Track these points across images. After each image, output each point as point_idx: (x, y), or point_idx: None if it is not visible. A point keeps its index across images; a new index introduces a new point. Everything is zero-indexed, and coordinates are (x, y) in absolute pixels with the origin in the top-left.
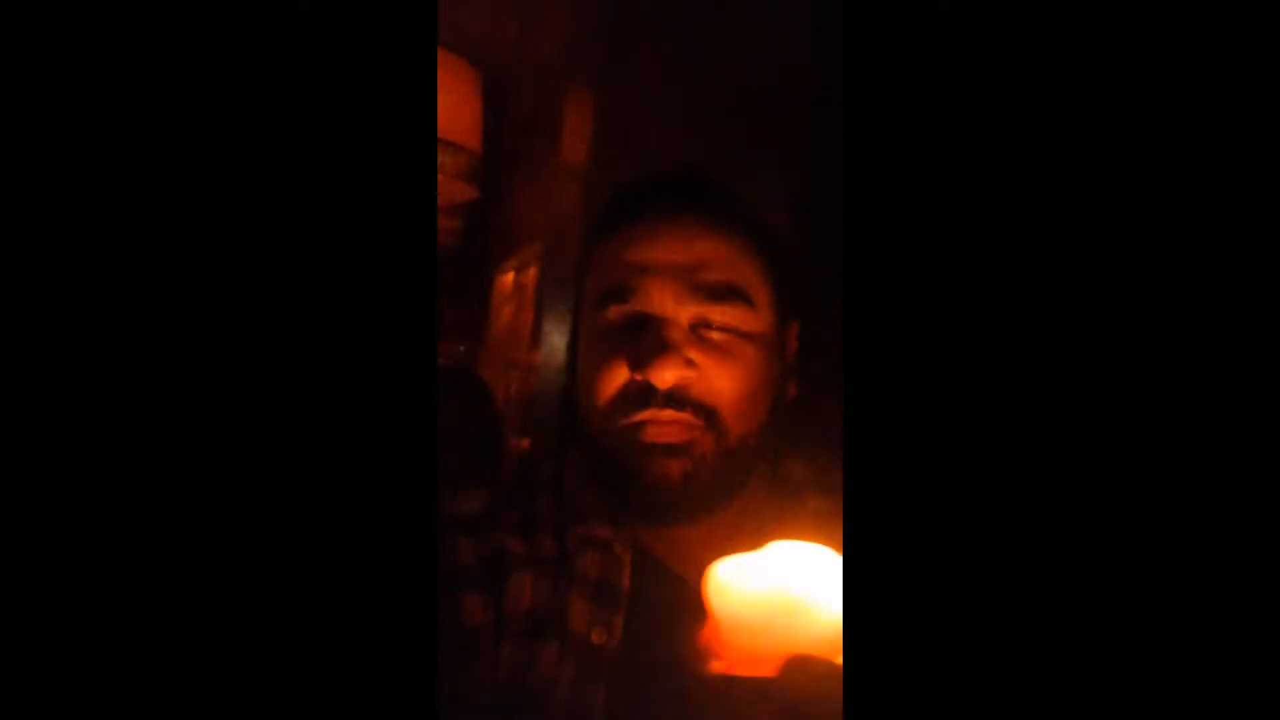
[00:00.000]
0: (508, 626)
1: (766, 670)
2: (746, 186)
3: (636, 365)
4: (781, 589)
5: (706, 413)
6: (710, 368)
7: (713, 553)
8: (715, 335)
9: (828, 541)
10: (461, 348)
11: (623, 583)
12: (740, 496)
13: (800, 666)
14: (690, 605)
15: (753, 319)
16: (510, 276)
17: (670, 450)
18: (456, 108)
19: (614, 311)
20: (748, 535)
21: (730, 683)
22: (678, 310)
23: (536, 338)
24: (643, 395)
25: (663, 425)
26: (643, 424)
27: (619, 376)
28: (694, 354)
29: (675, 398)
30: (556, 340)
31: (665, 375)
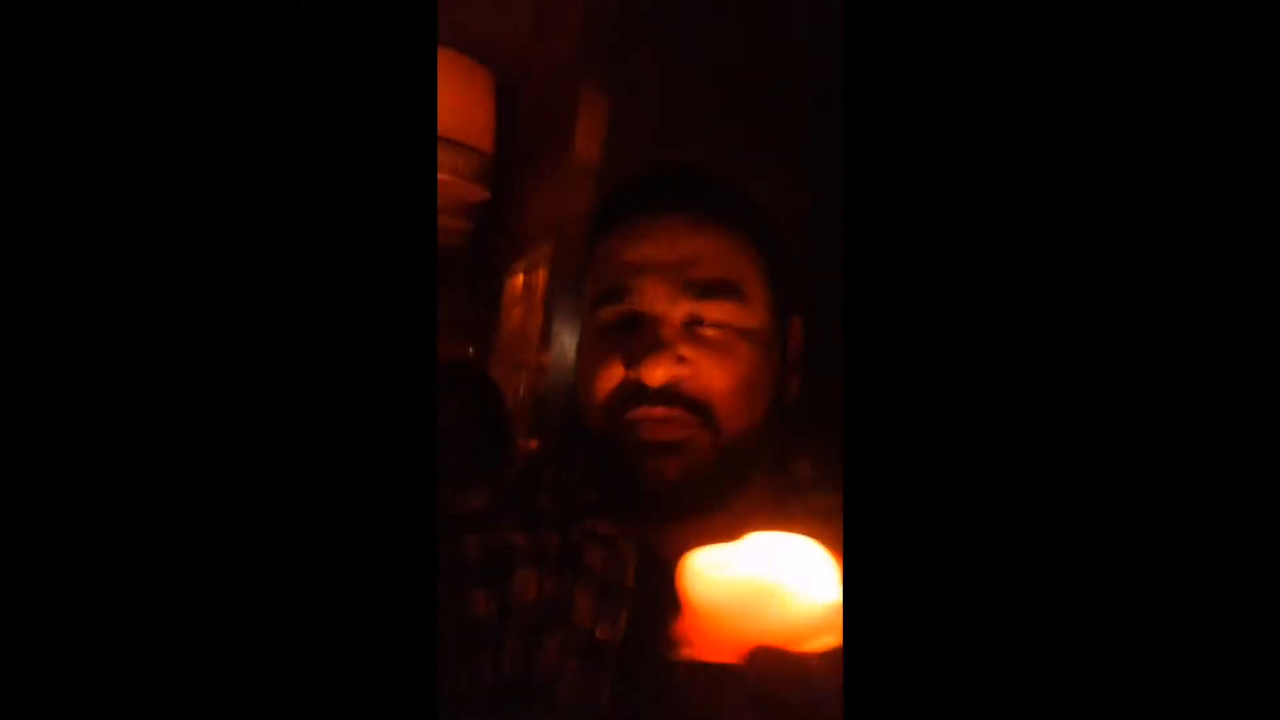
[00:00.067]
0: (512, 621)
1: (734, 657)
2: (752, 185)
3: (629, 363)
4: (754, 577)
5: (700, 409)
6: (703, 364)
7: None
8: (709, 332)
9: (831, 540)
10: (471, 349)
11: (627, 579)
12: (743, 494)
13: (766, 654)
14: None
15: (747, 314)
16: (520, 278)
17: (665, 448)
18: (468, 109)
19: (609, 311)
20: (751, 532)
21: (696, 669)
22: (670, 308)
23: (545, 339)
24: (636, 393)
25: (657, 423)
26: (638, 422)
27: (614, 375)
28: (686, 351)
29: (668, 394)
30: (565, 341)
31: (656, 372)
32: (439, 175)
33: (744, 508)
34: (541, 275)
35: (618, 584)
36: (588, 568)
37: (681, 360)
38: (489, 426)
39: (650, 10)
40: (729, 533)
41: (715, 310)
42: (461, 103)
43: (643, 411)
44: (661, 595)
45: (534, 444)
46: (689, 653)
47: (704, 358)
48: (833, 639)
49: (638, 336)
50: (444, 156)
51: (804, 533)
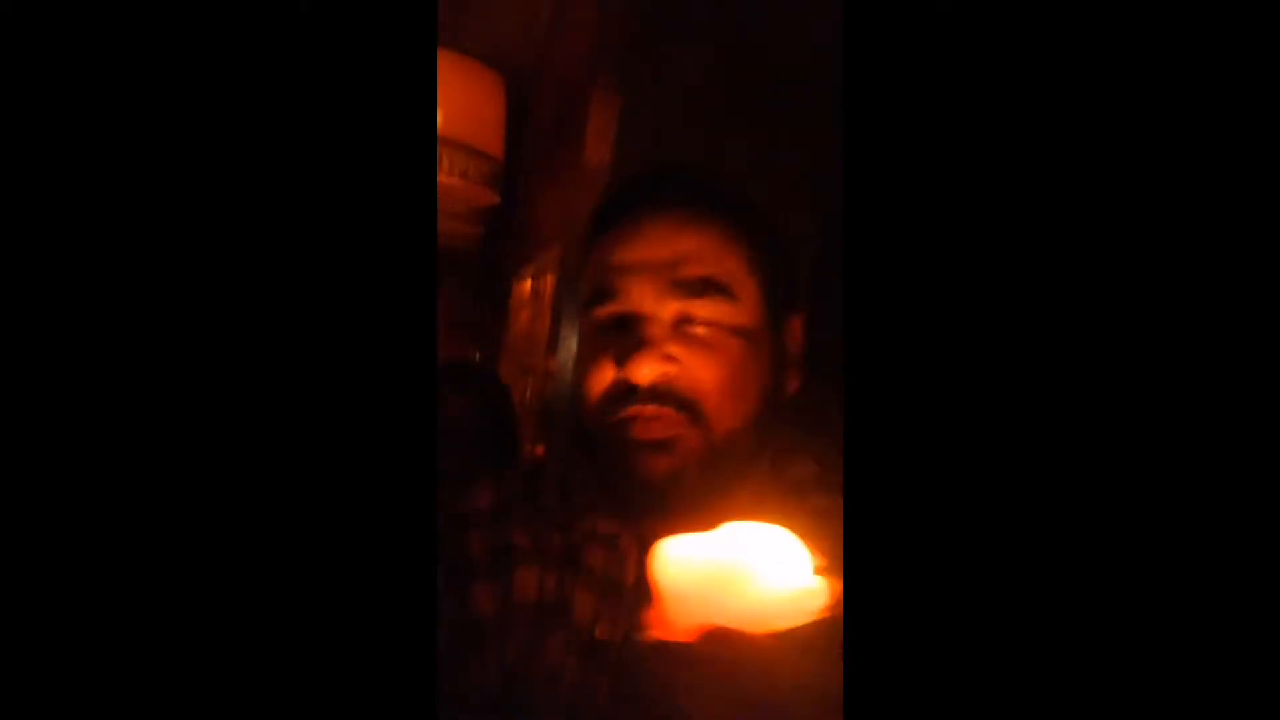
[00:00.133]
0: (514, 619)
1: (693, 638)
2: (752, 185)
3: (620, 363)
4: (722, 562)
5: (689, 407)
6: (693, 362)
7: None
8: (698, 330)
9: (830, 539)
10: (477, 351)
11: (628, 577)
12: (742, 492)
13: (722, 635)
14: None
15: (737, 313)
16: (528, 282)
17: (655, 446)
18: (478, 113)
19: (601, 312)
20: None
21: (654, 649)
22: (659, 307)
23: (553, 343)
24: (627, 392)
25: (647, 421)
26: (629, 420)
27: (606, 375)
28: (676, 349)
29: (657, 393)
30: (572, 346)
31: (644, 371)
32: (449, 179)
33: (743, 506)
34: (549, 279)
35: (618, 583)
36: (589, 567)
37: (669, 358)
38: (495, 427)
39: (660, 15)
40: None
41: (704, 309)
42: (472, 107)
43: (633, 410)
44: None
45: (540, 449)
46: (655, 635)
47: (693, 356)
48: (794, 621)
49: (628, 336)
50: (454, 160)
51: (804, 533)
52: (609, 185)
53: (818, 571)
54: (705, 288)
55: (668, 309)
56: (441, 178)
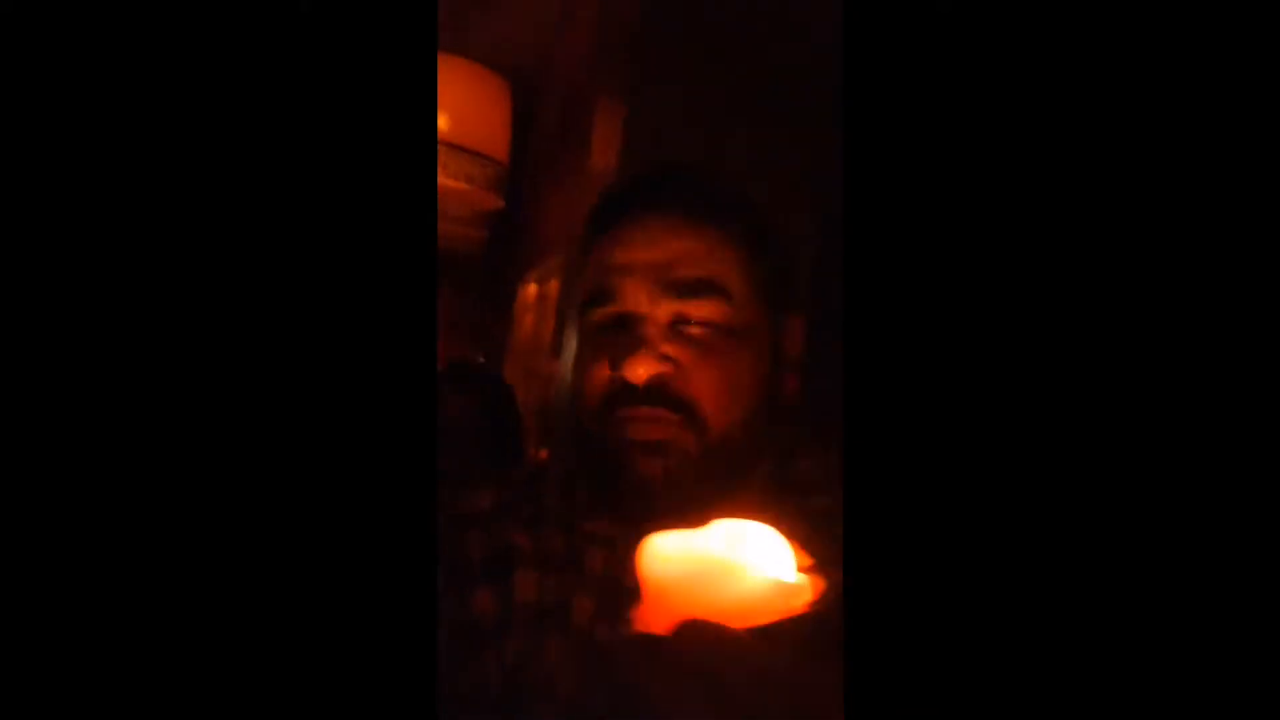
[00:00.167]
0: (514, 621)
1: (666, 630)
2: (752, 185)
3: (615, 364)
4: (705, 559)
5: (685, 408)
6: (688, 363)
7: None
8: (693, 330)
9: (830, 540)
10: (482, 356)
11: (628, 579)
12: (741, 494)
13: (697, 629)
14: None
15: (732, 313)
16: (533, 286)
17: (650, 448)
18: (484, 118)
19: (597, 314)
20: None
21: (634, 642)
22: (654, 308)
23: (556, 347)
24: (622, 393)
25: (642, 423)
26: (625, 421)
27: (603, 376)
28: (671, 350)
29: (652, 394)
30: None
31: (638, 371)
32: (454, 183)
33: (743, 508)
34: (554, 284)
35: (618, 585)
36: (589, 569)
37: (664, 359)
38: (499, 429)
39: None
40: None
41: (699, 309)
42: (477, 112)
43: (629, 411)
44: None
45: (544, 452)
46: (636, 629)
47: (688, 356)
48: (772, 616)
49: (623, 337)
50: (460, 165)
51: (805, 534)
52: (606, 187)
53: (802, 569)
54: (700, 288)
55: (663, 310)
56: (447, 182)
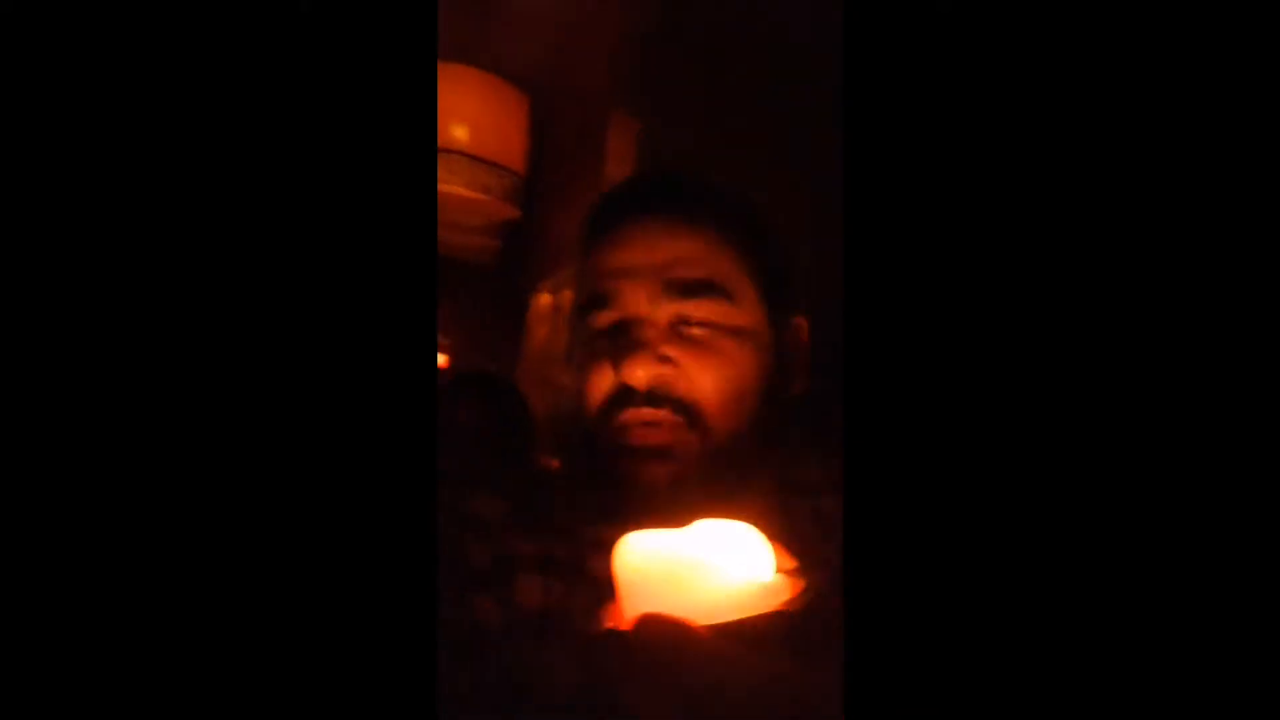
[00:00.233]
0: (517, 626)
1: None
2: (752, 186)
3: (616, 367)
4: (681, 558)
5: (687, 409)
6: (690, 364)
7: None
8: (694, 331)
9: (834, 543)
10: (495, 365)
11: (603, 577)
12: (743, 497)
13: (659, 625)
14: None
15: (734, 313)
16: (546, 296)
17: (654, 452)
18: (502, 130)
19: (597, 319)
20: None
21: (602, 638)
22: (654, 310)
23: (569, 357)
24: (624, 396)
25: (646, 427)
26: (628, 426)
27: (605, 380)
28: (672, 351)
29: (655, 396)
30: None
31: (639, 373)
32: (472, 193)
33: (749, 512)
34: (567, 295)
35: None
36: (592, 575)
37: (665, 360)
38: (512, 436)
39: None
40: None
41: (700, 310)
42: (495, 123)
43: (631, 414)
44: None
45: (555, 462)
46: (608, 625)
47: (689, 357)
48: (741, 615)
49: (623, 340)
50: (476, 175)
51: (811, 537)
52: (603, 192)
53: (782, 570)
54: (700, 289)
55: (663, 311)
56: (463, 191)
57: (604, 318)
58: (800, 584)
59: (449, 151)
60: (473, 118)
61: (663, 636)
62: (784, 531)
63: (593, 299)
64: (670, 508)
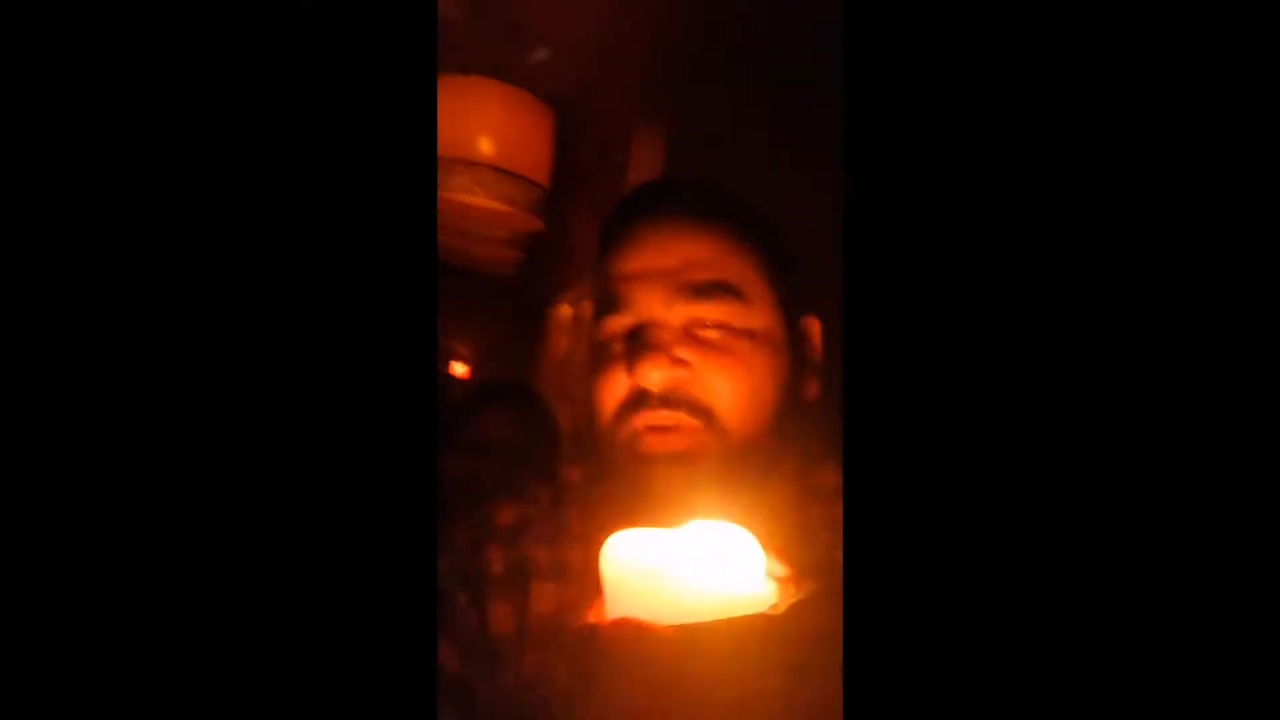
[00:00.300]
0: (530, 633)
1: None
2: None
3: (630, 370)
4: (669, 558)
5: (703, 411)
6: (704, 365)
7: None
8: (708, 333)
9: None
10: (517, 376)
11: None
12: (763, 502)
13: (622, 627)
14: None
15: (747, 315)
16: (567, 309)
17: (673, 459)
18: (528, 143)
19: (610, 324)
20: (776, 543)
21: (579, 636)
22: (667, 313)
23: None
24: (639, 399)
25: (661, 431)
26: (644, 431)
27: (620, 384)
28: (686, 353)
29: (670, 398)
30: None
31: (653, 375)
32: (497, 205)
33: (764, 517)
34: (587, 306)
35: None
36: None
37: (679, 362)
38: (535, 446)
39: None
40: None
41: (714, 311)
42: (520, 136)
43: (647, 417)
44: None
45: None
46: (590, 621)
47: (704, 359)
48: (726, 616)
49: (637, 344)
50: (503, 187)
51: (829, 544)
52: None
53: (772, 577)
54: (714, 291)
55: (676, 314)
56: (488, 203)
57: (618, 322)
58: (791, 592)
59: (476, 164)
60: (499, 131)
61: (627, 638)
62: (799, 538)
63: (606, 303)
64: (687, 512)
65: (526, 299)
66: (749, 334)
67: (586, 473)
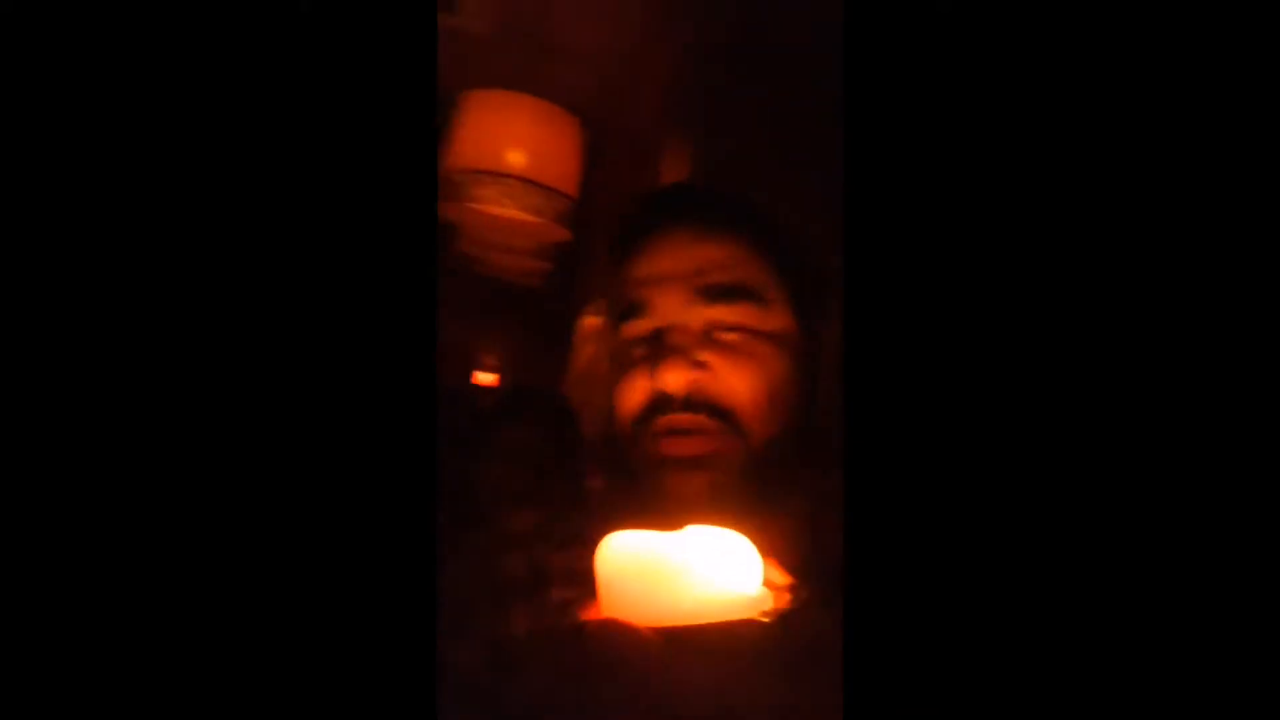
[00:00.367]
0: (544, 637)
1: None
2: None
3: (651, 374)
4: (663, 562)
5: (724, 413)
6: (724, 368)
7: None
8: (728, 336)
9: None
10: (544, 385)
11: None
12: (786, 507)
13: (606, 628)
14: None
15: (766, 317)
16: (593, 319)
17: (694, 463)
18: (556, 155)
19: (629, 329)
20: (797, 547)
21: (565, 633)
22: (686, 316)
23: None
24: (660, 403)
25: (682, 436)
26: (664, 436)
27: (640, 388)
28: (706, 356)
29: (691, 402)
30: None
31: (674, 378)
32: (525, 216)
33: (782, 523)
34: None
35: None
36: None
37: (699, 365)
38: (560, 454)
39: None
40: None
41: (733, 314)
42: (549, 148)
43: (668, 420)
44: None
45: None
46: (582, 620)
47: (724, 361)
48: (716, 620)
49: (656, 347)
50: (530, 198)
51: (826, 548)
52: (628, 205)
53: (768, 583)
54: (732, 293)
55: (695, 317)
56: (517, 214)
57: (637, 326)
58: (785, 599)
59: (505, 176)
60: (527, 143)
61: (612, 637)
62: (801, 543)
63: (626, 308)
64: (708, 518)
65: (554, 309)
66: (769, 337)
67: (608, 479)
